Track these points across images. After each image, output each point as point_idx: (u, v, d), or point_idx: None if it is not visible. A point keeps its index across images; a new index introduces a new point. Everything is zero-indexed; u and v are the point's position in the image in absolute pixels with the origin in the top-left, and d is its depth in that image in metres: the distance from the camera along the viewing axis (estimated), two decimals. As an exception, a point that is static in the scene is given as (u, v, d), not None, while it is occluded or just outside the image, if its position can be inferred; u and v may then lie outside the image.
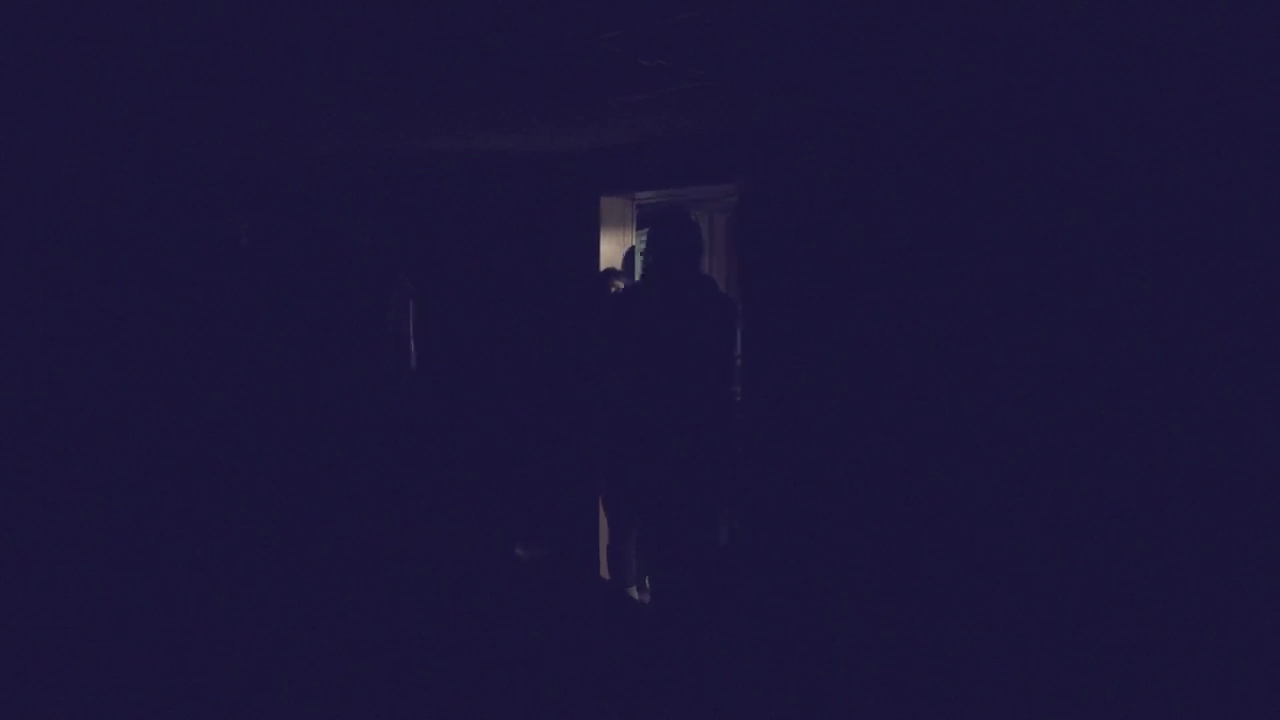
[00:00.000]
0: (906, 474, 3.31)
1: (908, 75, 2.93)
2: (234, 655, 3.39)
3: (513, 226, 5.49)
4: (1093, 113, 2.86)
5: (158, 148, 3.38)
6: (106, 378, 3.32)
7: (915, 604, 3.23)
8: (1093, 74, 2.77)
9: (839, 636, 3.38)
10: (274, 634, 3.59)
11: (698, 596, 3.67)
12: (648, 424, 3.72)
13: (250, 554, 4.00)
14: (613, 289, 4.42)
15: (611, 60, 2.77)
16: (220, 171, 4.34)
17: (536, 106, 3.52)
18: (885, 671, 3.17)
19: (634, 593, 4.31)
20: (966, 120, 3.20)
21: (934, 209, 3.29)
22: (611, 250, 5.22)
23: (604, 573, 4.48)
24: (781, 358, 3.79)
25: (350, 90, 3.23)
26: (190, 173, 3.60)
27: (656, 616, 3.86)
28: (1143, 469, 2.72)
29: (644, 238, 5.61)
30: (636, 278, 4.55)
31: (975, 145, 3.16)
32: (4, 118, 3.15)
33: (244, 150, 4.20)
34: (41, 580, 3.23)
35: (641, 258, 4.22)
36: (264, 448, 4.09)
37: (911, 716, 2.99)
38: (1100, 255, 2.83)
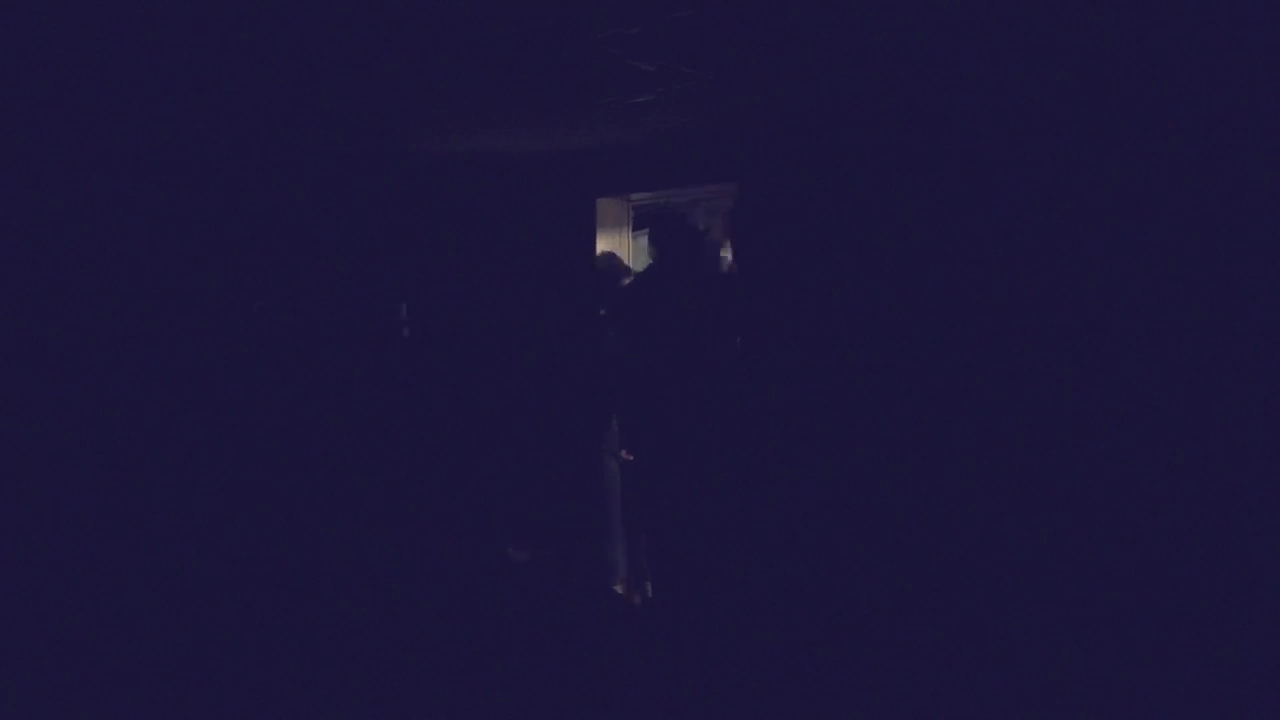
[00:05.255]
0: (903, 473, 3.32)
1: (904, 75, 2.95)
2: (231, 658, 3.38)
3: (508, 228, 5.48)
4: (1089, 111, 2.87)
5: (147, 147, 3.37)
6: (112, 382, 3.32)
7: (915, 604, 3.24)
8: (1088, 73, 2.79)
9: (839, 637, 3.38)
10: (272, 636, 3.57)
11: (699, 598, 3.67)
12: (657, 425, 3.73)
13: (246, 556, 3.99)
14: (621, 274, 4.39)
15: (606, 61, 2.78)
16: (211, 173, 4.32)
17: (531, 107, 3.53)
18: (885, 672, 3.18)
19: (632, 595, 4.31)
20: (964, 120, 3.21)
21: (931, 209, 3.30)
22: (608, 251, 5.23)
23: (604, 574, 4.48)
24: (777, 357, 3.80)
25: (345, 90, 3.23)
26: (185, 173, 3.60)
27: (655, 618, 3.86)
28: (1141, 469, 2.73)
29: (642, 238, 5.62)
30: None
31: (973, 145, 3.17)
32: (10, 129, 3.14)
33: (236, 154, 4.18)
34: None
35: (649, 252, 4.22)
36: (258, 450, 4.08)
37: (911, 716, 2.99)
38: (1096, 255, 2.84)
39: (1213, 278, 2.59)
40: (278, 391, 4.08)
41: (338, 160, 4.57)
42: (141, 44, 2.59)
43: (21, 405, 2.75)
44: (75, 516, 3.00)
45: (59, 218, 2.86)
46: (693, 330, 3.65)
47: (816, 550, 3.57)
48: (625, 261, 4.79)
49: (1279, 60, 2.41)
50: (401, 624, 3.79)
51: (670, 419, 3.67)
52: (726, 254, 4.77)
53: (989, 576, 3.07)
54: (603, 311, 4.35)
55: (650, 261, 3.94)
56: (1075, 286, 2.89)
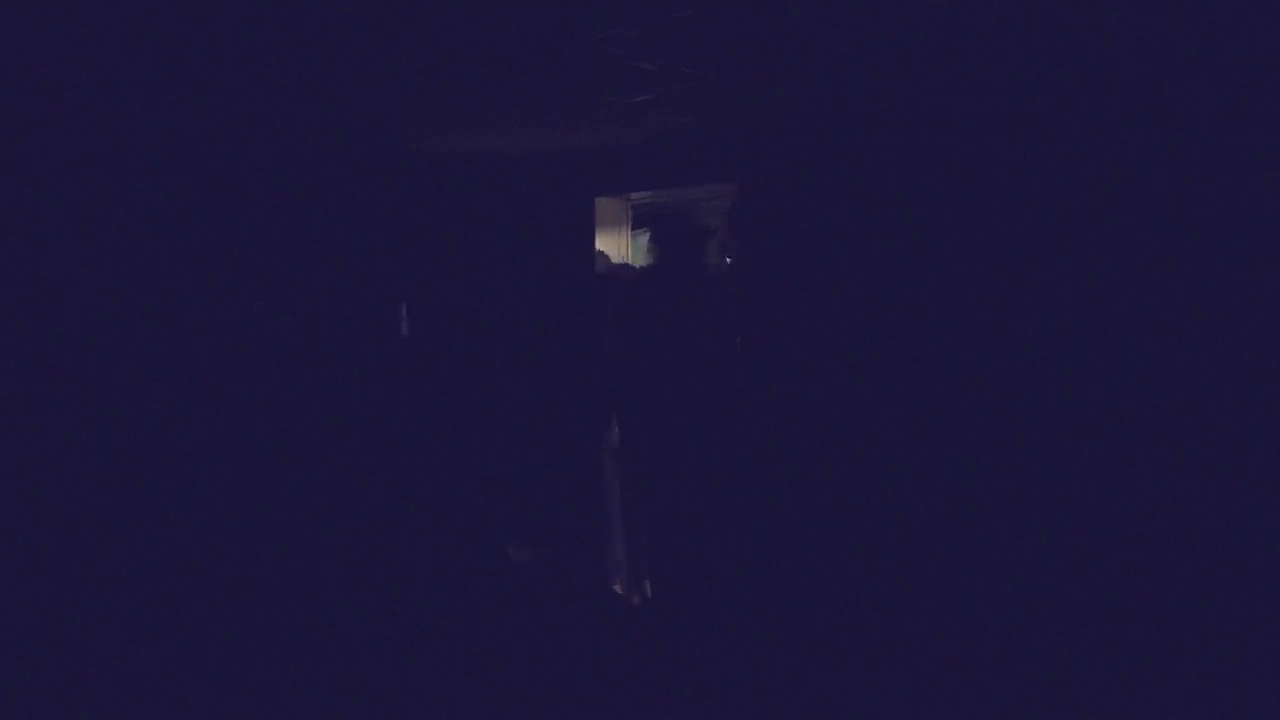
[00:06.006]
0: (903, 472, 3.32)
1: (904, 75, 2.95)
2: (231, 658, 3.38)
3: (508, 228, 5.49)
4: (1089, 111, 2.87)
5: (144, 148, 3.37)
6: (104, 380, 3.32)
7: (915, 604, 3.24)
8: (1088, 73, 2.79)
9: (839, 637, 3.38)
10: (272, 636, 3.57)
11: (699, 598, 3.67)
12: (657, 425, 3.73)
13: (246, 556, 3.99)
14: (623, 274, 4.39)
15: (606, 61, 2.78)
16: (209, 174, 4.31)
17: (531, 107, 3.53)
18: (885, 672, 3.18)
19: (632, 595, 4.31)
20: (964, 120, 3.21)
21: (930, 209, 3.30)
22: (608, 251, 5.22)
23: (604, 574, 4.48)
24: (776, 357, 3.80)
25: (345, 90, 3.22)
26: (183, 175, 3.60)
27: (655, 618, 3.86)
28: (1141, 469, 2.73)
29: (640, 237, 5.62)
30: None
31: (973, 145, 3.17)
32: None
33: (230, 153, 4.18)
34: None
35: (647, 253, 4.22)
36: (258, 450, 4.08)
37: (912, 716, 2.99)
38: (1096, 254, 2.84)
39: (1212, 277, 2.59)
40: (278, 391, 4.08)
41: (338, 160, 4.57)
42: (142, 44, 2.59)
43: (22, 405, 2.75)
44: (75, 516, 3.00)
45: (59, 218, 2.86)
46: (693, 330, 3.65)
47: (816, 550, 3.57)
48: (625, 261, 4.79)
49: (1279, 60, 2.41)
50: (401, 624, 3.79)
51: (670, 419, 3.67)
52: (727, 254, 4.77)
53: (989, 576, 3.07)
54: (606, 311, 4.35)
55: (650, 261, 3.94)
56: (1075, 286, 2.89)
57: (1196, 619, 2.60)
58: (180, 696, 3.10)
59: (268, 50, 2.63)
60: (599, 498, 4.45)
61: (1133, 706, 2.68)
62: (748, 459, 3.75)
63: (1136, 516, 2.73)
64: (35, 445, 2.81)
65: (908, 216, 3.36)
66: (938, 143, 3.28)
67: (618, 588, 4.31)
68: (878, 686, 3.08)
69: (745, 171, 4.07)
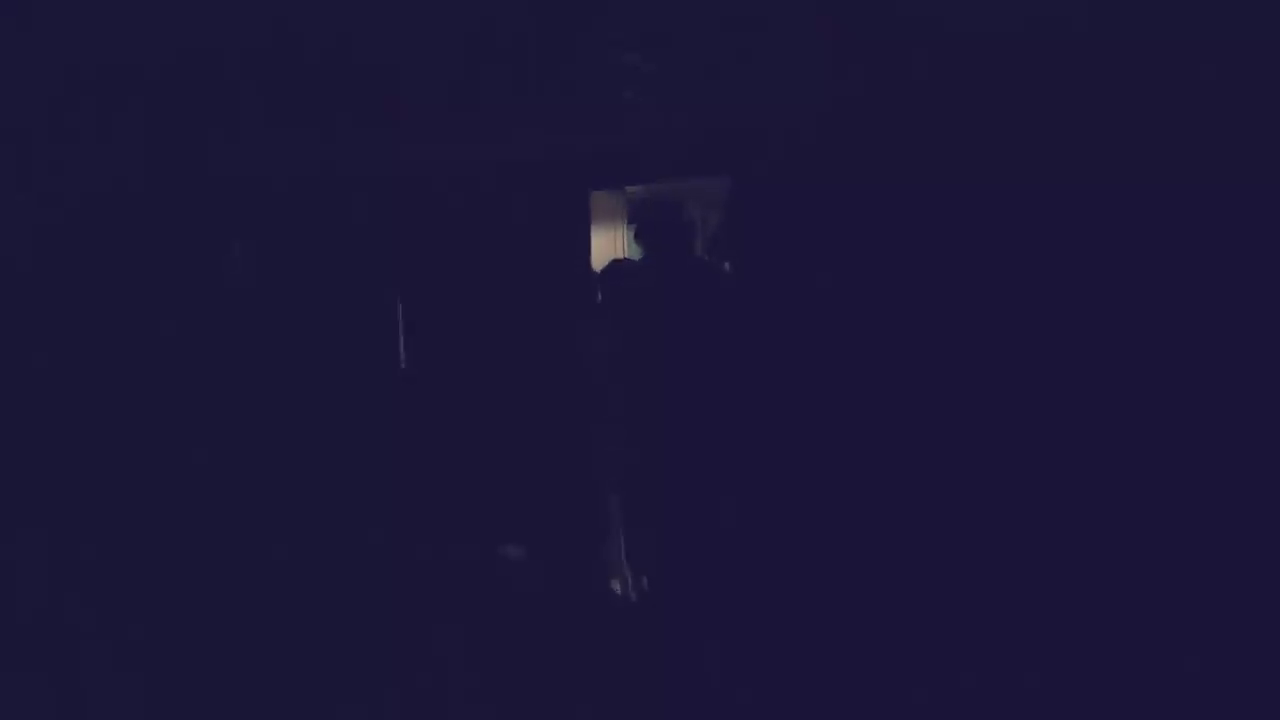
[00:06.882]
0: (904, 472, 3.33)
1: (903, 70, 2.94)
2: (231, 657, 3.37)
3: (505, 228, 5.44)
4: (1089, 111, 2.87)
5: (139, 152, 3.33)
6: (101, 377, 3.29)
7: (915, 605, 3.25)
8: (1088, 72, 2.78)
9: (839, 637, 3.40)
10: (272, 636, 3.57)
11: (699, 597, 3.67)
12: (657, 425, 3.72)
13: (245, 556, 3.97)
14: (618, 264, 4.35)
15: (606, 60, 2.76)
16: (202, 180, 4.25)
17: (532, 107, 3.51)
18: (886, 672, 3.19)
19: (630, 593, 4.31)
20: (964, 117, 3.20)
21: (929, 207, 3.29)
22: (603, 245, 5.19)
23: (603, 574, 4.48)
24: (774, 355, 3.79)
25: (345, 89, 3.20)
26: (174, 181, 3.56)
27: (653, 618, 3.87)
28: (1140, 470, 2.74)
29: (634, 229, 5.58)
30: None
31: (972, 144, 3.16)
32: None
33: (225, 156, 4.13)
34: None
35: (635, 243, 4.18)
36: (256, 450, 4.05)
37: (911, 716, 3.01)
38: (1097, 254, 2.84)
39: (1212, 278, 2.60)
40: (276, 391, 4.06)
41: (337, 159, 4.54)
42: (143, 37, 2.56)
43: (21, 403, 2.73)
44: (73, 516, 2.99)
45: (58, 217, 2.83)
46: (690, 325, 3.64)
47: (816, 550, 3.58)
48: (621, 255, 4.76)
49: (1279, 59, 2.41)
50: (401, 624, 3.78)
51: (667, 416, 3.66)
52: (724, 247, 4.75)
53: (989, 577, 3.08)
54: (600, 307, 4.32)
55: (646, 256, 3.92)
56: (1075, 285, 2.89)
57: (1196, 619, 2.61)
58: (180, 696, 3.08)
59: (269, 45, 2.60)
60: (594, 495, 4.44)
61: (1132, 706, 2.69)
62: (747, 458, 3.75)
63: (1137, 517, 2.74)
64: (33, 444, 2.79)
65: (909, 214, 3.35)
66: (939, 140, 3.27)
67: (616, 586, 4.31)
68: (878, 687, 3.09)
69: (742, 165, 4.05)
